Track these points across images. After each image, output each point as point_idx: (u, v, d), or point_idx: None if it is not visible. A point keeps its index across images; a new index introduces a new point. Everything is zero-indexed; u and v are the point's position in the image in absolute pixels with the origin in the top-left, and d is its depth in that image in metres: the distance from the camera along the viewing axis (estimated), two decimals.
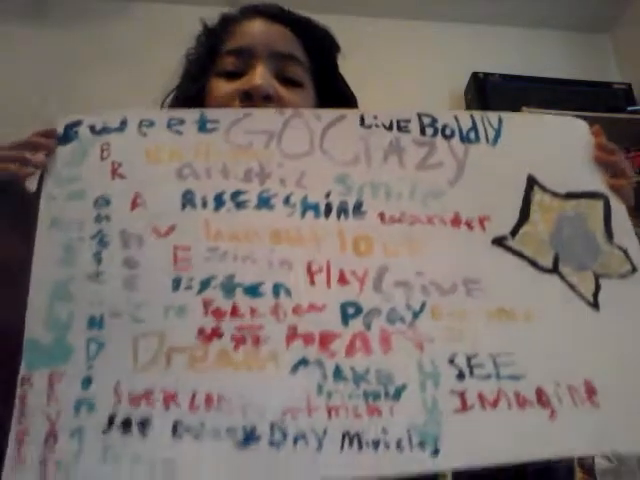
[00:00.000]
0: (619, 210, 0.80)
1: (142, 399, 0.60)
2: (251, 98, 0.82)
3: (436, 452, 0.60)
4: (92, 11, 3.09)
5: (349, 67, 1.05)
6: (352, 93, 1.01)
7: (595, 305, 0.73)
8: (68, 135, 0.75)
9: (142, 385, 0.60)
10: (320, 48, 0.95)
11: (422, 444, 0.60)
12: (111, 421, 0.59)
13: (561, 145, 0.83)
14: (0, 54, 2.90)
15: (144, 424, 0.59)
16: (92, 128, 0.75)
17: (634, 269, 0.76)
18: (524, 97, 2.83)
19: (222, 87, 0.86)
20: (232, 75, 0.87)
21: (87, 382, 0.60)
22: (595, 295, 0.74)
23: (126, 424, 0.59)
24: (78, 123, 0.75)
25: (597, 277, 0.75)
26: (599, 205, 0.80)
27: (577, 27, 3.39)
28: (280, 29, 0.91)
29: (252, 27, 0.91)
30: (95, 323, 0.63)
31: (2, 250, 0.69)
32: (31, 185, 0.71)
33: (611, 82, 3.14)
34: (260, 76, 0.83)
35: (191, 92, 0.90)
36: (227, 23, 0.95)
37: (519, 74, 3.04)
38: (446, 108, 3.04)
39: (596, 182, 0.81)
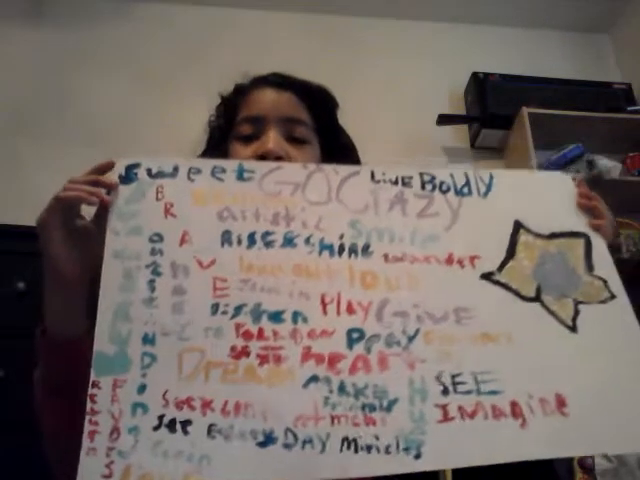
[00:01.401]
0: (599, 246, 0.92)
1: (185, 404, 0.74)
2: (265, 159, 0.96)
3: (418, 456, 0.74)
4: (92, 11, 3.17)
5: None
6: (352, 144, 1.16)
7: (573, 328, 0.85)
8: (129, 176, 0.87)
9: (185, 392, 0.75)
10: (321, 108, 1.10)
11: (407, 449, 0.74)
12: (160, 421, 0.73)
13: (547, 195, 0.96)
14: (0, 54, 2.99)
15: (185, 425, 0.73)
16: (149, 171, 0.88)
17: (613, 296, 0.88)
18: (524, 97, 2.92)
19: (241, 151, 1.01)
20: (248, 138, 1.02)
21: (142, 388, 0.75)
22: (574, 319, 0.86)
23: (171, 424, 0.73)
24: (137, 165, 0.88)
25: (577, 304, 0.87)
26: (580, 243, 0.92)
27: (577, 27, 3.43)
28: (287, 96, 1.06)
29: (263, 96, 1.06)
30: (148, 340, 0.78)
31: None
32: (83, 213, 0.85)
33: (611, 82, 3.18)
34: (272, 140, 0.99)
35: (216, 157, 1.04)
36: (241, 93, 1.10)
37: (519, 74, 3.09)
38: (446, 108, 3.11)
39: (578, 224, 0.93)
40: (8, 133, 2.79)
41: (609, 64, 3.42)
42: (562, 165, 2.84)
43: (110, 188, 0.86)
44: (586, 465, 1.79)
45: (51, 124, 2.80)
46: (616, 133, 2.91)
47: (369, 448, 0.74)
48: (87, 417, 0.73)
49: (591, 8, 3.34)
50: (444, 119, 3.00)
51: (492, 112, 2.96)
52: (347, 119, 1.19)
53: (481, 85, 3.06)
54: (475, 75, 3.11)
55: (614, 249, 0.94)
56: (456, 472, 1.95)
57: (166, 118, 2.77)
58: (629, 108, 3.01)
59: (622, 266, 0.92)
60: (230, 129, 1.07)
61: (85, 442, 0.71)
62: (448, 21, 3.38)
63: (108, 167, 0.87)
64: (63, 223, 0.82)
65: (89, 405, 0.73)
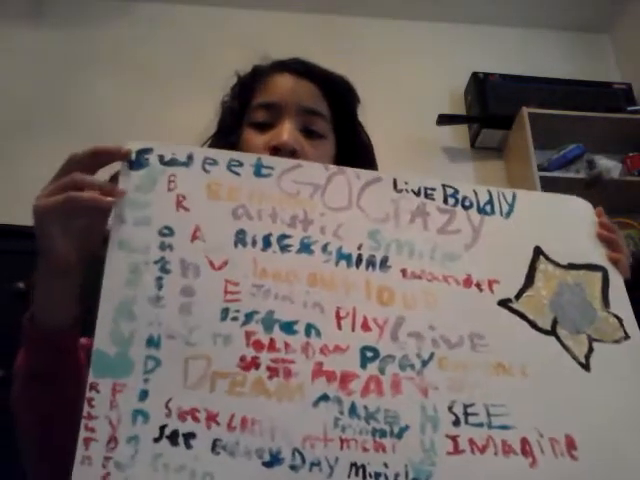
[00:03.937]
0: (617, 281, 0.89)
1: (188, 415, 0.70)
2: (279, 152, 0.92)
3: None
4: (92, 11, 3.13)
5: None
6: (370, 143, 1.11)
7: (586, 366, 0.82)
8: (140, 161, 0.81)
9: (189, 403, 0.70)
10: (342, 101, 1.05)
11: None
12: (162, 432, 0.68)
13: (567, 222, 0.93)
14: (0, 54, 2.96)
15: (189, 438, 0.68)
16: (161, 158, 0.82)
17: (627, 336, 0.85)
18: (524, 97, 2.91)
19: (254, 139, 0.96)
20: (263, 126, 0.97)
21: (144, 395, 0.70)
22: (587, 357, 0.82)
23: (174, 436, 0.68)
24: (149, 151, 0.82)
25: (591, 341, 0.84)
26: (598, 276, 0.89)
27: (577, 27, 3.41)
28: (306, 85, 1.01)
29: (281, 82, 1.01)
30: (153, 342, 0.72)
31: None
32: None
33: (611, 82, 3.17)
34: (287, 133, 0.94)
35: (228, 141, 1.00)
36: (258, 77, 1.05)
37: (519, 74, 3.08)
38: (446, 108, 3.10)
39: (597, 256, 0.90)
40: (8, 133, 2.77)
41: (609, 64, 3.40)
42: (562, 165, 2.83)
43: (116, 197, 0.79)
44: None
45: (51, 124, 2.77)
46: (616, 133, 2.91)
47: (377, 476, 0.70)
48: (83, 422, 0.68)
49: (591, 8, 3.32)
50: (444, 119, 2.97)
51: (492, 112, 2.94)
52: None
53: (481, 85, 3.04)
54: (475, 75, 3.08)
55: None
56: None
57: (166, 118, 2.73)
58: (629, 108, 3.00)
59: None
60: (244, 113, 1.02)
61: (80, 450, 0.66)
62: (448, 21, 3.35)
63: (122, 156, 0.81)
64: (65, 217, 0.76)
65: (86, 409, 0.68)
